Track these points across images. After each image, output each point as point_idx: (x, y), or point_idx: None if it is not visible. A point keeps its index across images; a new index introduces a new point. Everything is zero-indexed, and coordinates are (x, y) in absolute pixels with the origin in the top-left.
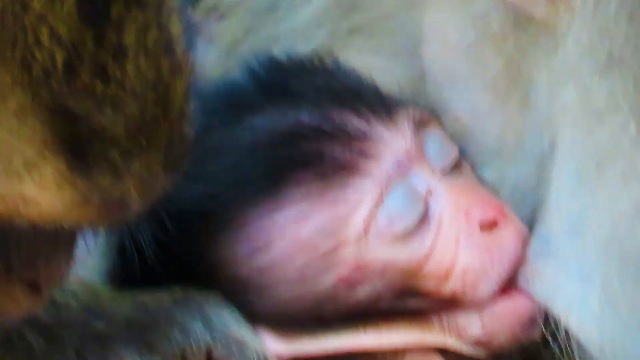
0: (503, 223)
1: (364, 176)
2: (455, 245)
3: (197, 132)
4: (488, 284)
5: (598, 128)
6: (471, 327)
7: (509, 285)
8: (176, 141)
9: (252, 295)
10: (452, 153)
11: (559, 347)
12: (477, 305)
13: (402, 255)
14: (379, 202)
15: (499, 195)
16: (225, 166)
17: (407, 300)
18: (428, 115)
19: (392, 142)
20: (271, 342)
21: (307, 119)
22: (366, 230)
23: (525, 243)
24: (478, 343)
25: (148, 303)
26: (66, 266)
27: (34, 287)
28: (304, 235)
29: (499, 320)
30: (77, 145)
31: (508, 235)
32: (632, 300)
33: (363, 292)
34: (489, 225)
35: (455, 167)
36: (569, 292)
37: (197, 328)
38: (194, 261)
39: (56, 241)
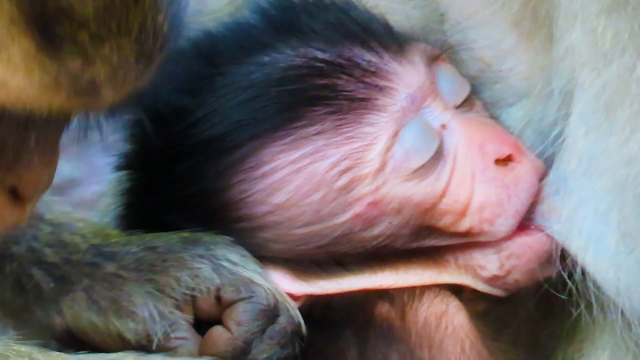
0: (518, 158)
1: (379, 111)
2: (471, 181)
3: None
4: (505, 220)
5: (605, 69)
6: (488, 265)
7: (526, 222)
8: (149, 31)
9: (267, 234)
10: (465, 89)
11: (575, 286)
12: (494, 242)
13: (418, 191)
14: (394, 137)
15: (512, 133)
16: (237, 103)
17: (424, 238)
18: (439, 51)
19: (406, 76)
20: (287, 282)
21: (320, 54)
22: (382, 165)
23: (541, 178)
24: (494, 280)
25: (157, 245)
26: (48, 175)
27: (16, 196)
28: (320, 172)
29: (516, 257)
30: (45, 24)
31: (523, 170)
32: None
33: (379, 229)
34: (504, 160)
35: (468, 104)
36: (585, 232)
37: (206, 271)
38: (205, 202)
39: (37, 147)
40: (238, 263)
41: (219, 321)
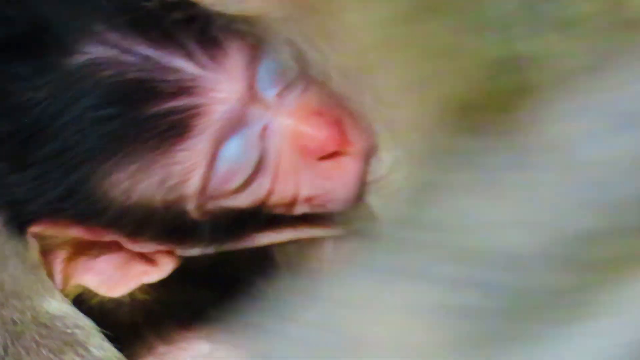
0: (344, 150)
1: (194, 135)
2: (295, 178)
3: None
4: (337, 205)
5: None
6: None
7: None
8: None
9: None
10: (287, 76)
11: None
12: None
13: (242, 201)
14: (212, 160)
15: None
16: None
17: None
18: (258, 43)
19: (222, 89)
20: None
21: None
22: (204, 189)
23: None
24: None
25: None
26: None
27: None
28: (149, 186)
29: None
30: None
31: (350, 161)
32: None
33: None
34: (329, 156)
35: (290, 89)
36: None
37: None
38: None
39: None
40: None
41: None
